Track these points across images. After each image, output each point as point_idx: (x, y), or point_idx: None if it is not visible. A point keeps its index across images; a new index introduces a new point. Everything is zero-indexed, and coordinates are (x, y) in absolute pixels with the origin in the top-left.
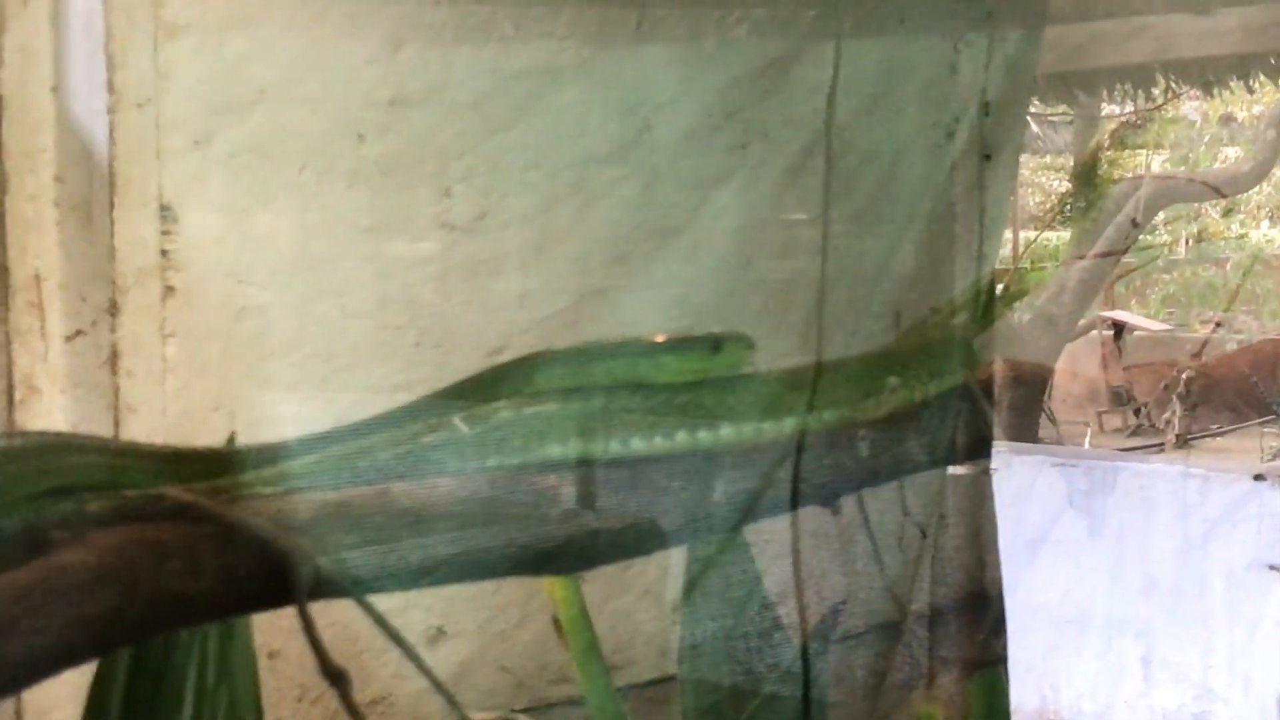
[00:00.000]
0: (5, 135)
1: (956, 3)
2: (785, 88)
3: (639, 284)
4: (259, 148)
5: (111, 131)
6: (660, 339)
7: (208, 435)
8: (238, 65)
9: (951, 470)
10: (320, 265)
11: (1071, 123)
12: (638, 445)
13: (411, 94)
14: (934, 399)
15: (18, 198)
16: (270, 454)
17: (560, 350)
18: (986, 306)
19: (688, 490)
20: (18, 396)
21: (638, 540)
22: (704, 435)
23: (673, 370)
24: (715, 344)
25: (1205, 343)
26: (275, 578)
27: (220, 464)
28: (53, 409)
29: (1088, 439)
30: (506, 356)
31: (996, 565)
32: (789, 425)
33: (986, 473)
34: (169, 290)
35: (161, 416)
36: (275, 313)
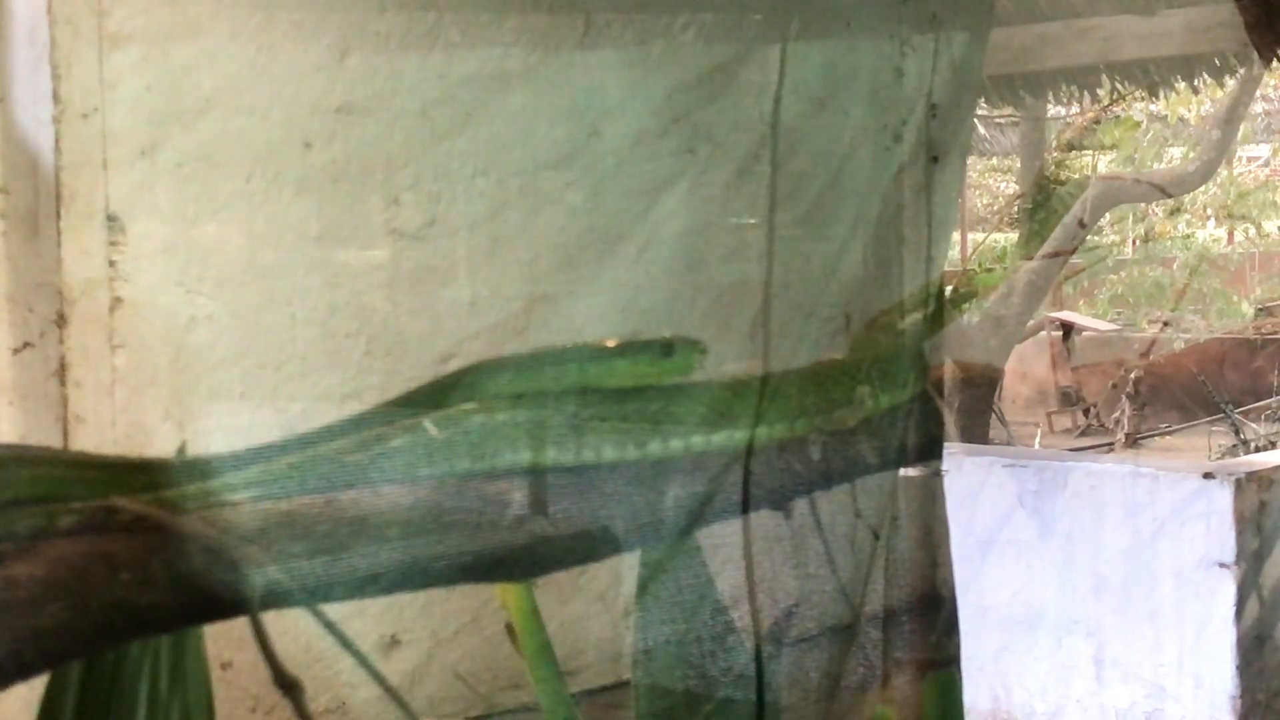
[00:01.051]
0: None
1: (902, 6)
2: (731, 91)
3: (587, 289)
4: (206, 157)
5: (57, 142)
6: (611, 343)
7: (158, 446)
8: (184, 74)
9: (903, 472)
10: (269, 274)
11: (1018, 125)
12: (588, 455)
13: (359, 101)
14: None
15: None
16: (220, 464)
17: (510, 357)
18: (936, 309)
19: (639, 496)
20: None
21: (589, 546)
22: (654, 446)
23: (624, 374)
24: (666, 348)
25: (1153, 342)
26: (227, 588)
27: (170, 475)
28: (0, 421)
29: (1037, 439)
30: (456, 364)
31: (948, 566)
32: (740, 435)
33: (938, 474)
34: (117, 301)
35: (111, 428)
36: (224, 322)
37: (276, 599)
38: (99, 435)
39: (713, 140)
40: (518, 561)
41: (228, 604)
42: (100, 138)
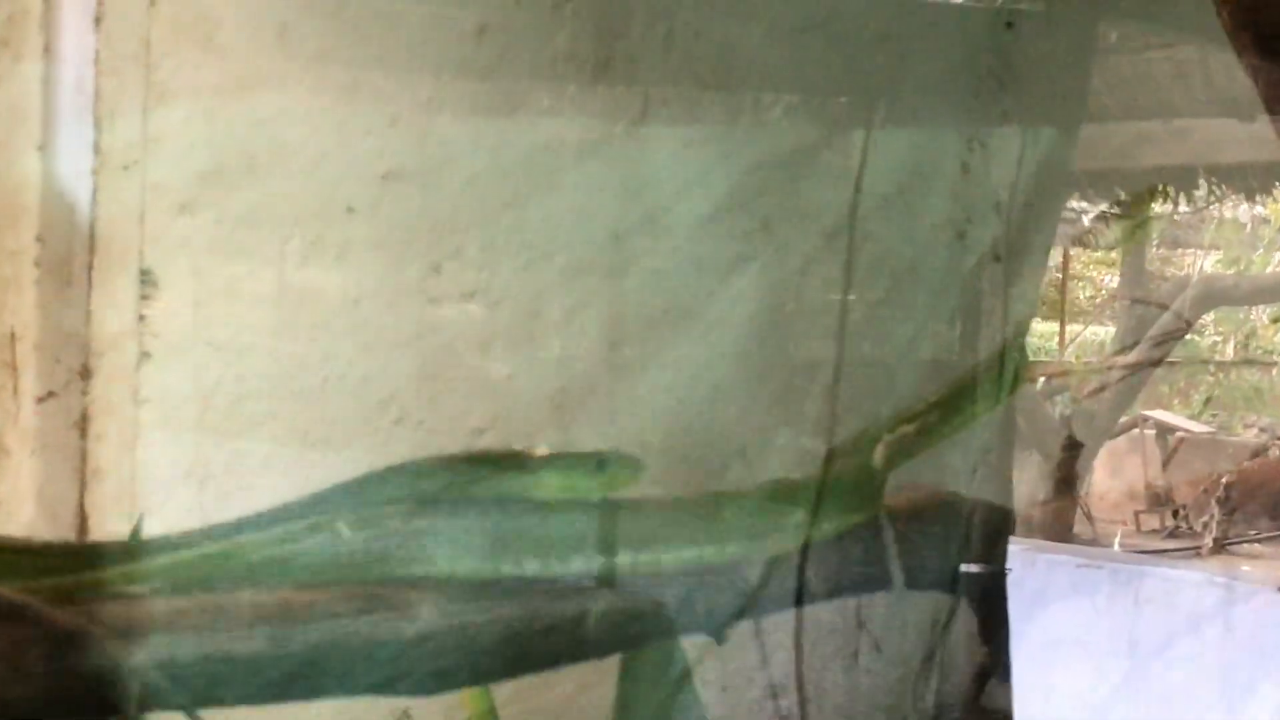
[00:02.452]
0: None
1: (972, 101)
2: (810, 174)
3: (641, 366)
4: (246, 216)
5: (95, 193)
6: (543, 453)
7: (177, 504)
8: (228, 132)
9: (964, 568)
10: (302, 337)
11: (1121, 219)
12: (531, 568)
13: (406, 168)
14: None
15: None
16: (134, 551)
17: (444, 459)
18: (998, 390)
19: (570, 609)
20: None
21: (499, 665)
22: (601, 561)
23: (554, 488)
24: (600, 463)
25: (1257, 452)
26: (107, 686)
27: (77, 560)
28: (20, 471)
29: (1117, 540)
30: (489, 437)
31: (1006, 666)
32: (691, 555)
33: (1001, 572)
34: (145, 355)
35: (130, 483)
36: (253, 383)
37: (158, 700)
38: (118, 489)
39: (788, 221)
40: (420, 675)
41: (106, 703)
42: (139, 191)
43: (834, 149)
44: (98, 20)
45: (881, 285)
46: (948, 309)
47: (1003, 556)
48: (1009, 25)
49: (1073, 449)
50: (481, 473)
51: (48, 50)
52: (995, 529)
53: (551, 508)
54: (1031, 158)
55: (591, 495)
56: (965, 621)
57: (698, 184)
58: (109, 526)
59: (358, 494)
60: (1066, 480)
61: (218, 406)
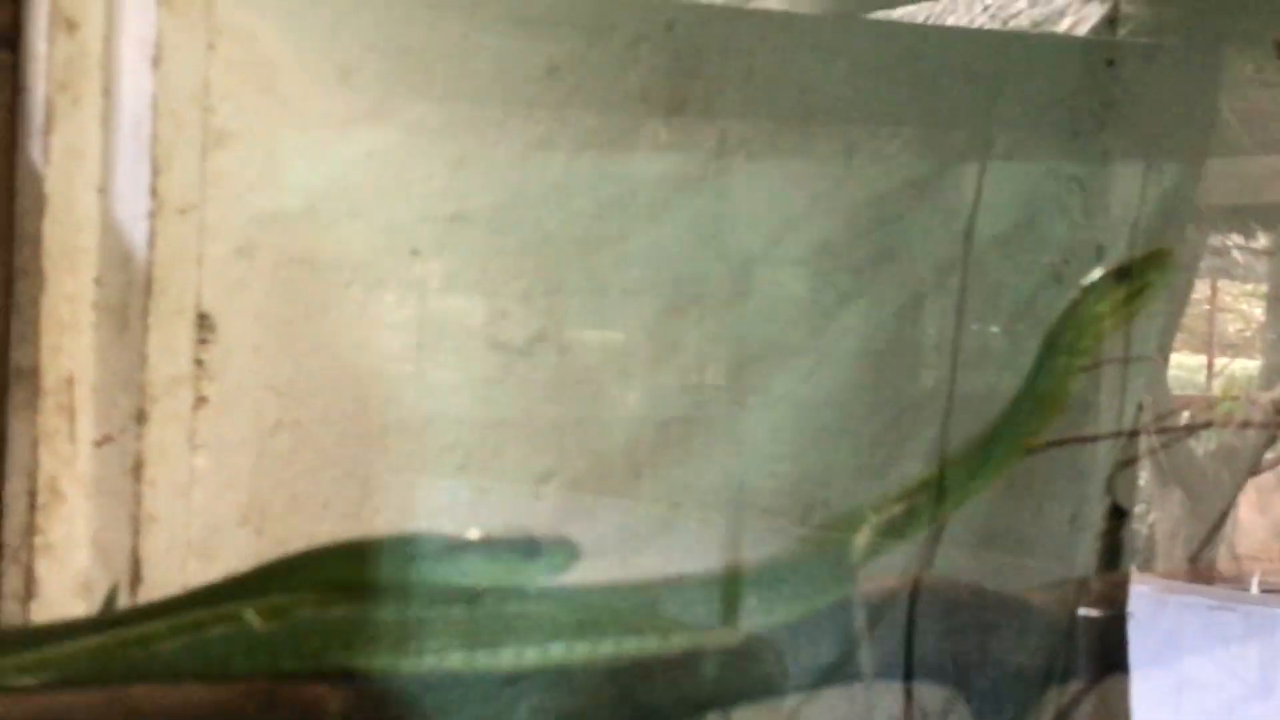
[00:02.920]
0: (46, 234)
1: (1070, 141)
2: (902, 213)
3: (729, 412)
4: (306, 259)
5: (152, 236)
6: (472, 536)
7: (232, 550)
8: (288, 176)
9: (1083, 612)
10: (361, 381)
11: (1271, 254)
12: (456, 660)
13: (472, 211)
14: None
15: (54, 298)
16: (33, 637)
17: (353, 542)
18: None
19: (484, 711)
20: (41, 500)
21: None
22: (531, 653)
23: (479, 575)
24: (530, 549)
25: None
26: None
27: None
28: (75, 515)
29: (1254, 583)
30: (555, 483)
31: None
32: (630, 645)
33: (1121, 617)
34: (201, 400)
35: (185, 529)
36: (311, 429)
37: None
38: (171, 536)
39: (885, 261)
40: None
41: None
42: (197, 234)
43: (927, 188)
44: (155, 62)
45: (979, 326)
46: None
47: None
48: (1109, 63)
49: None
50: (403, 558)
51: (107, 93)
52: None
53: (480, 596)
54: (1153, 195)
55: (523, 583)
56: (1083, 671)
57: (781, 224)
58: (163, 573)
59: (268, 580)
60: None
61: (275, 452)
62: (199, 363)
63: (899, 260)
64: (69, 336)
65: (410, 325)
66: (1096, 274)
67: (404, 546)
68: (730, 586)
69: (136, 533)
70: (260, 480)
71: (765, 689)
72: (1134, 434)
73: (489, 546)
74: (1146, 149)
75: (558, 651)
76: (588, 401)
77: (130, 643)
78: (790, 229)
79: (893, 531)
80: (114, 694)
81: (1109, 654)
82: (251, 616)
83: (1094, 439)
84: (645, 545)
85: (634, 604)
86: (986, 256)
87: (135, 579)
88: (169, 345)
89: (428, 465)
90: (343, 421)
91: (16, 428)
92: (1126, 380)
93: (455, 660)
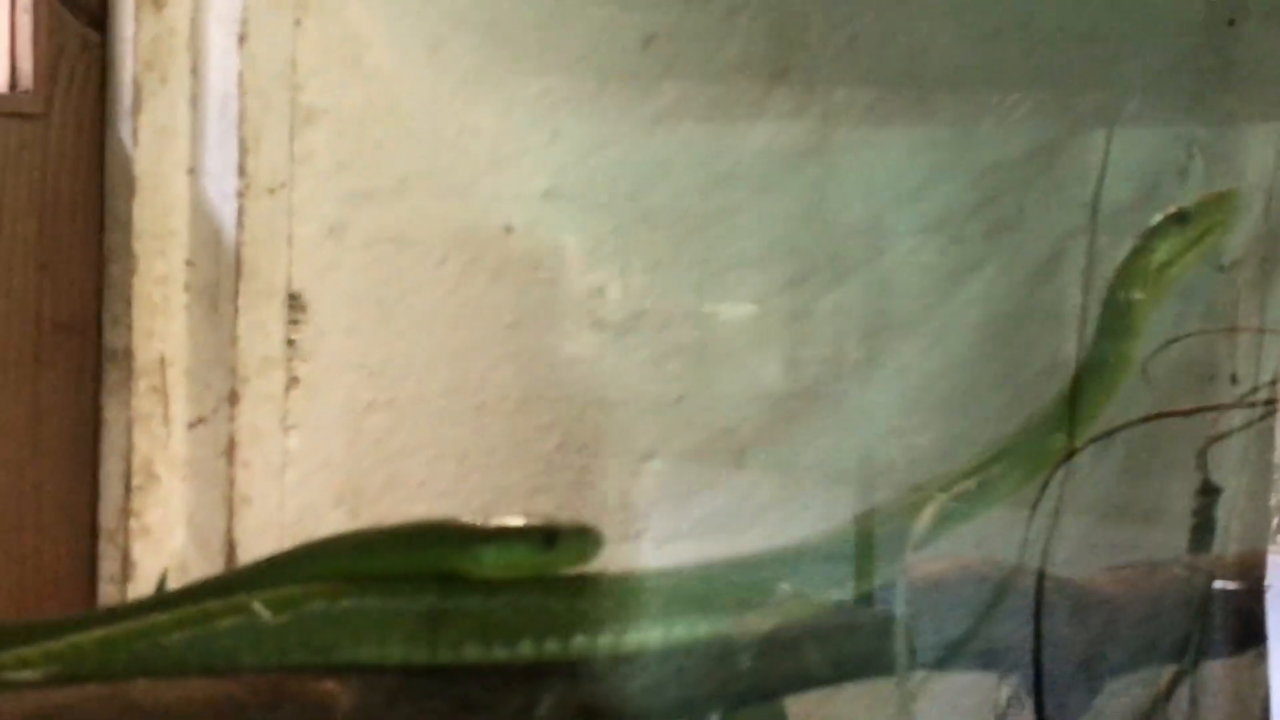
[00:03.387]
0: (136, 216)
1: (1191, 103)
2: (1049, 174)
3: (838, 387)
4: (398, 237)
5: (241, 217)
6: (488, 525)
7: (328, 531)
8: (378, 152)
9: (1218, 585)
10: (458, 360)
11: None
12: (472, 652)
13: (567, 186)
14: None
15: (146, 280)
16: (36, 630)
17: (365, 532)
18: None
19: (503, 706)
20: (135, 483)
21: None
22: (552, 645)
23: (493, 566)
24: (548, 537)
25: None
26: None
27: None
28: (171, 497)
29: None
30: (654, 464)
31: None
32: (656, 636)
33: (1259, 591)
34: (294, 381)
35: (279, 510)
36: (406, 408)
37: None
38: (265, 517)
39: (1023, 224)
40: None
41: None
42: (286, 214)
43: (1051, 155)
44: (242, 40)
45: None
46: (1172, 317)
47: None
48: (1230, 22)
49: None
50: (416, 547)
51: (194, 72)
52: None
53: (495, 585)
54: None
55: (538, 572)
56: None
57: (899, 193)
58: (257, 555)
59: (278, 570)
60: None
61: (370, 432)
62: (290, 343)
63: (1023, 229)
64: (161, 319)
65: (505, 304)
66: (1155, 220)
67: (417, 536)
68: (778, 567)
69: (231, 515)
70: (355, 461)
71: (795, 681)
72: (1270, 402)
73: (503, 536)
74: (1274, 111)
75: (581, 643)
76: (690, 378)
77: (135, 635)
78: (909, 198)
79: (961, 509)
80: (113, 690)
81: (1245, 629)
82: (260, 608)
83: (1220, 408)
84: (751, 524)
85: (683, 589)
86: (1108, 225)
87: (230, 561)
88: (260, 326)
89: (526, 445)
90: (438, 401)
91: (111, 410)
92: (1262, 349)
93: (471, 652)
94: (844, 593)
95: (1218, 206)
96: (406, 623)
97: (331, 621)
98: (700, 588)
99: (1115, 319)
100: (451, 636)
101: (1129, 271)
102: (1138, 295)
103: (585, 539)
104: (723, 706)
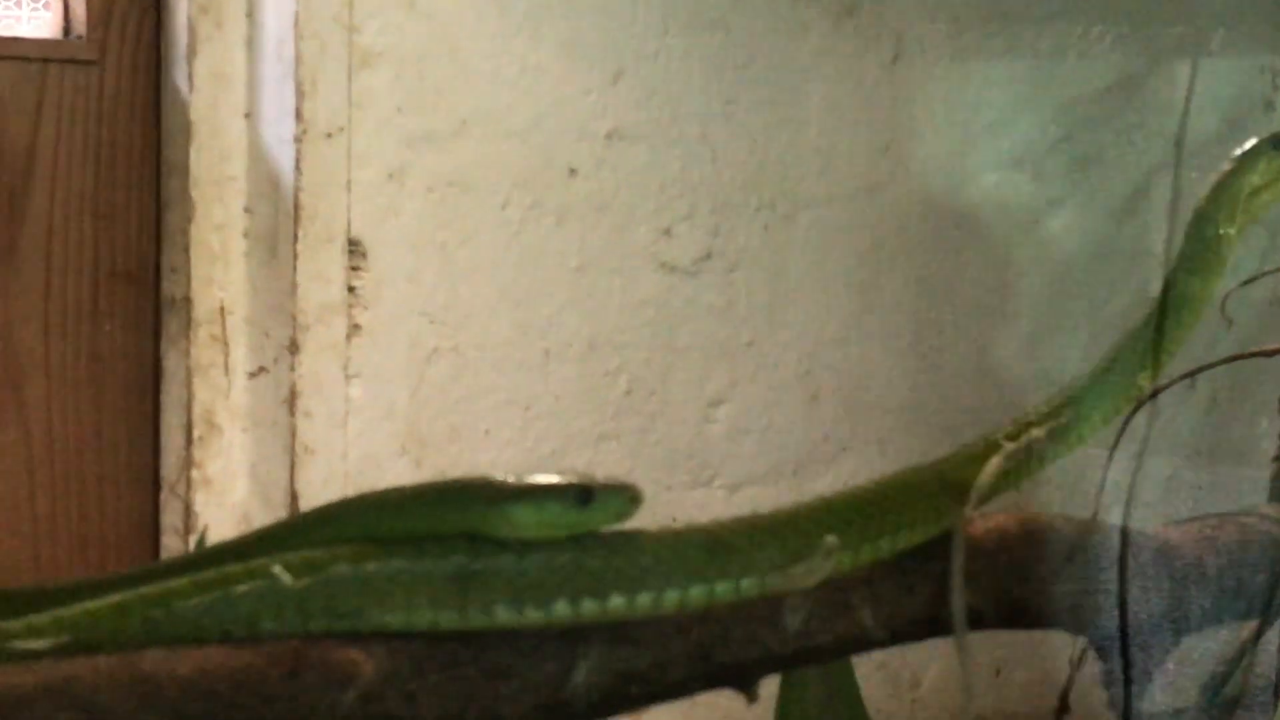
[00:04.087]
0: (194, 162)
1: (1275, 33)
2: (1131, 108)
3: (916, 320)
4: (459, 181)
5: (298, 162)
6: (520, 482)
7: (392, 480)
8: (438, 95)
9: None
10: (522, 305)
11: None
12: (503, 615)
13: (631, 126)
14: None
15: (204, 227)
16: (48, 596)
17: (388, 492)
18: None
19: (537, 672)
20: (196, 433)
21: None
22: (588, 605)
23: (525, 525)
24: (584, 495)
25: None
26: None
27: None
28: (232, 447)
29: None
30: (725, 410)
31: None
32: (698, 594)
33: None
34: (355, 328)
35: (342, 460)
36: (470, 355)
37: None
38: (328, 467)
39: (1105, 159)
40: None
41: None
42: (345, 158)
43: (1122, 88)
44: None
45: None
46: (1260, 251)
47: None
48: None
49: None
50: (444, 506)
51: (250, 15)
52: None
53: (529, 545)
54: None
55: (572, 532)
56: None
57: (976, 129)
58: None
59: (301, 532)
60: None
61: (433, 380)
62: (351, 290)
63: (1105, 164)
64: (220, 266)
65: (570, 247)
66: (1249, 143)
67: (445, 495)
68: (827, 518)
69: (293, 465)
70: (418, 409)
71: (848, 643)
72: None
73: (535, 494)
74: None
75: (618, 604)
76: (760, 322)
77: (150, 602)
78: (988, 134)
79: (1041, 453)
80: (124, 661)
81: None
82: (281, 572)
83: None
84: (825, 469)
85: (726, 543)
86: (1192, 160)
87: (293, 512)
88: (320, 273)
89: (593, 391)
90: (502, 347)
91: (171, 360)
92: None
93: (503, 616)
94: (895, 546)
95: None
96: (434, 585)
97: (356, 585)
98: (744, 542)
99: (1201, 249)
100: (482, 599)
101: (1218, 198)
102: (1226, 224)
103: (623, 496)
104: (772, 671)
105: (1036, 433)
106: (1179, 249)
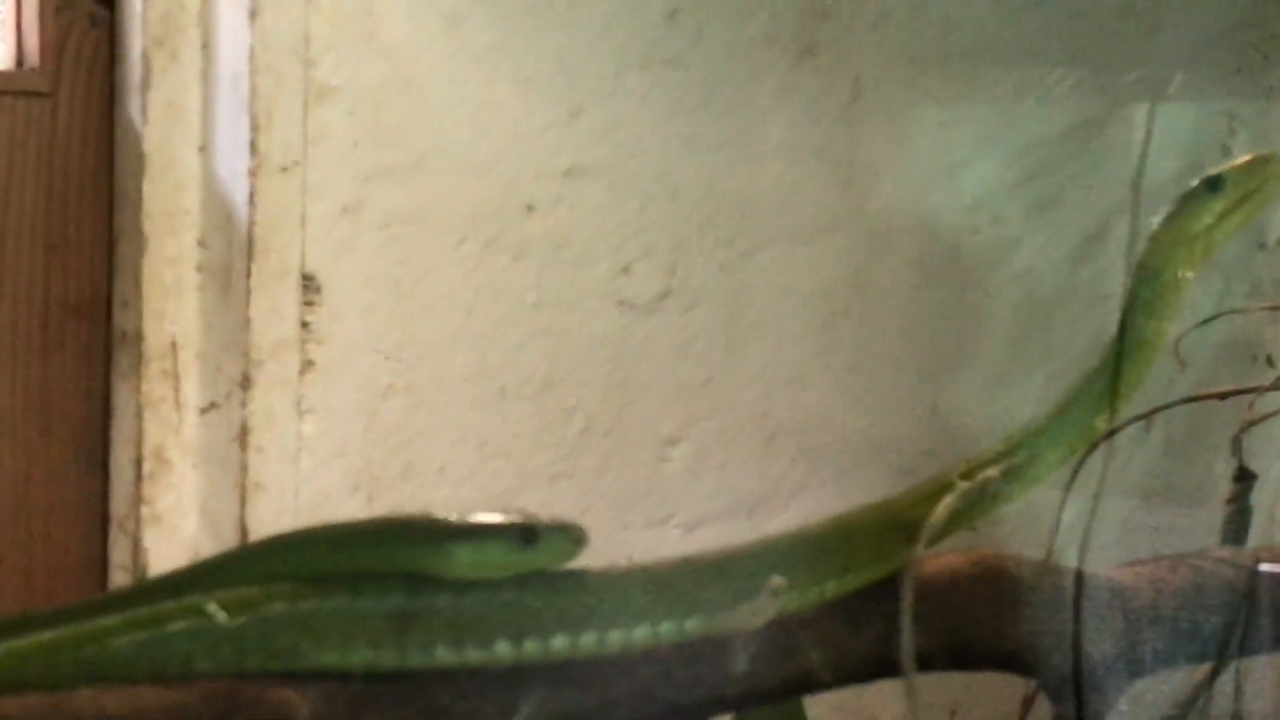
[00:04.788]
0: (147, 195)
1: (1234, 76)
2: (1090, 151)
3: (879, 360)
4: (416, 217)
5: (253, 195)
6: (462, 521)
7: (345, 518)
8: (395, 130)
9: (1264, 568)
10: (478, 343)
11: None
12: (444, 656)
13: (590, 164)
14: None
15: (156, 261)
16: None
17: (327, 527)
18: None
19: (478, 714)
20: (146, 469)
21: None
22: (531, 645)
23: (468, 566)
24: (528, 535)
25: None
26: None
27: None
28: (182, 483)
29: None
30: (682, 448)
31: None
32: (642, 634)
33: None
34: (308, 364)
35: (294, 497)
36: (425, 392)
37: None
38: (279, 504)
39: (1064, 202)
40: None
41: None
42: (300, 192)
43: (1080, 131)
44: (253, 14)
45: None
46: (1216, 296)
47: None
48: None
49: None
50: (384, 544)
51: (205, 47)
52: None
53: (469, 584)
54: None
55: (516, 573)
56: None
57: (927, 172)
58: None
59: (236, 569)
60: None
61: (387, 417)
62: (305, 325)
63: (1064, 207)
64: (172, 300)
65: (527, 285)
66: (1189, 186)
67: (385, 533)
68: (772, 557)
69: (244, 501)
70: (371, 446)
71: (795, 685)
72: None
73: (479, 533)
74: None
75: (561, 644)
76: (717, 361)
77: (81, 640)
78: (946, 177)
79: (993, 494)
80: (54, 700)
81: None
82: (216, 610)
83: (1266, 389)
84: (783, 508)
85: (670, 583)
86: (1151, 203)
87: None
88: (274, 308)
89: (548, 429)
90: (457, 385)
91: (121, 395)
92: None
93: (443, 656)
94: (843, 587)
95: (1256, 171)
96: (373, 625)
97: (293, 624)
98: (688, 582)
99: (1148, 291)
100: (422, 638)
101: (1160, 240)
102: (1171, 266)
103: (568, 537)
104: (718, 713)
105: (991, 472)
106: (1129, 293)
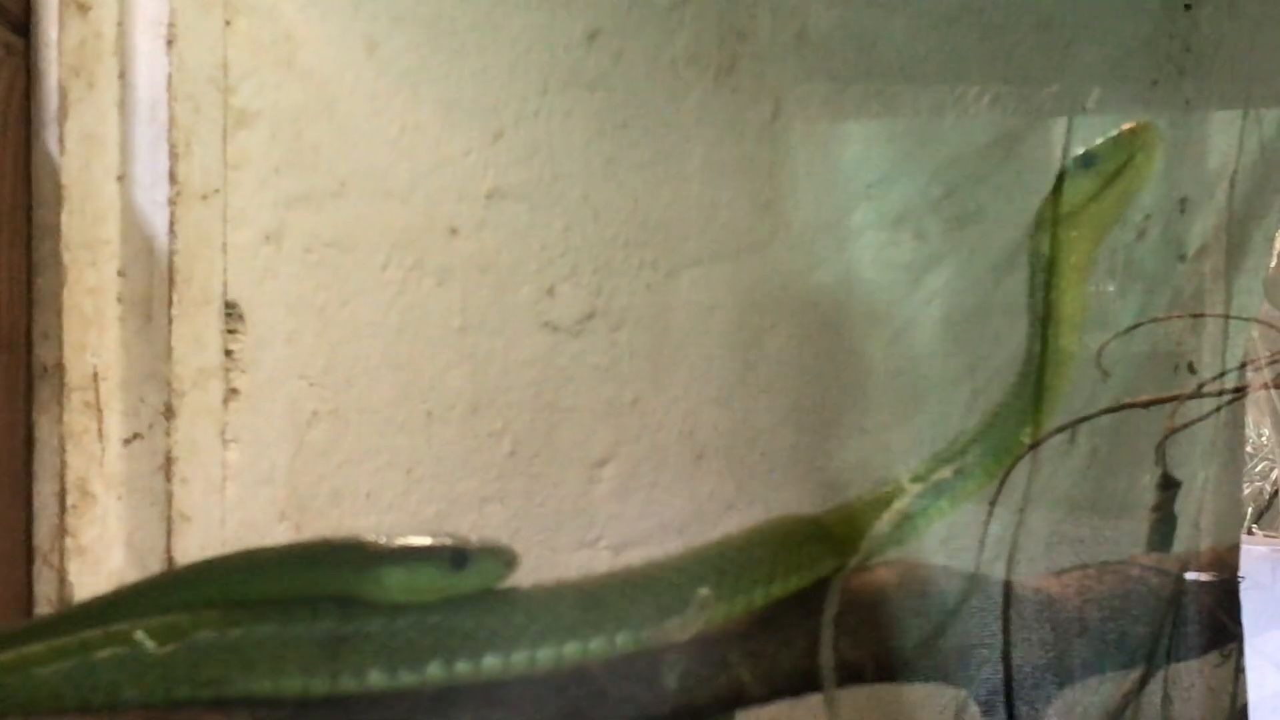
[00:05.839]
0: (65, 225)
1: (1151, 89)
2: (1009, 165)
3: (806, 378)
4: (338, 242)
5: (173, 224)
6: (392, 544)
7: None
8: (316, 155)
9: (1191, 576)
10: (404, 367)
11: None
12: (376, 679)
13: (513, 186)
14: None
15: (76, 291)
16: None
17: (255, 552)
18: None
19: None
20: (70, 501)
21: None
22: (463, 666)
23: (399, 589)
24: (458, 557)
25: None
26: None
27: None
28: (107, 515)
29: None
30: (610, 469)
31: (1244, 685)
32: (572, 650)
33: (1234, 579)
34: (232, 393)
35: (220, 527)
36: (351, 418)
37: None
38: (206, 534)
39: (985, 216)
40: None
41: None
42: (220, 220)
43: (1000, 145)
44: (170, 42)
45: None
46: (1138, 307)
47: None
48: (1187, 7)
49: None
50: (314, 568)
51: (122, 76)
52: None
53: (400, 608)
54: (1251, 146)
55: (446, 596)
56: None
57: (849, 189)
58: None
59: (163, 595)
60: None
61: (313, 444)
62: (228, 354)
63: (985, 221)
64: (93, 331)
65: (452, 308)
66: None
67: (315, 557)
68: (691, 573)
69: (170, 533)
70: (298, 474)
71: (727, 700)
72: (1239, 390)
73: (409, 556)
74: (1232, 97)
75: (493, 664)
76: (644, 382)
77: (5, 668)
78: (867, 194)
79: (915, 515)
80: None
81: (1214, 627)
82: (143, 638)
83: (1188, 397)
84: (712, 527)
85: (599, 600)
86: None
87: None
88: (196, 337)
89: (476, 452)
90: (384, 410)
91: (43, 428)
92: (1228, 337)
93: (375, 680)
94: (769, 595)
95: (1126, 142)
96: (304, 650)
97: (222, 651)
98: (617, 597)
99: (1051, 287)
100: (354, 662)
101: (1043, 221)
102: (1064, 253)
103: (499, 559)
104: None
105: (920, 488)
106: (1037, 295)
